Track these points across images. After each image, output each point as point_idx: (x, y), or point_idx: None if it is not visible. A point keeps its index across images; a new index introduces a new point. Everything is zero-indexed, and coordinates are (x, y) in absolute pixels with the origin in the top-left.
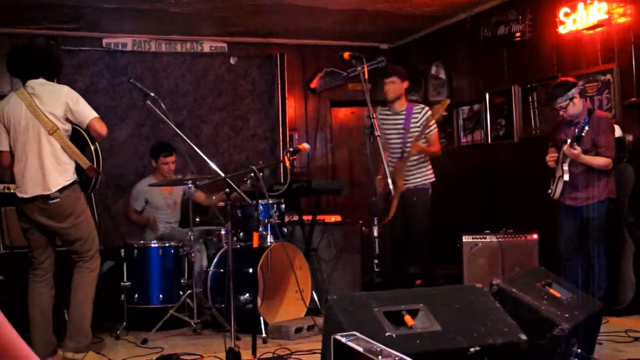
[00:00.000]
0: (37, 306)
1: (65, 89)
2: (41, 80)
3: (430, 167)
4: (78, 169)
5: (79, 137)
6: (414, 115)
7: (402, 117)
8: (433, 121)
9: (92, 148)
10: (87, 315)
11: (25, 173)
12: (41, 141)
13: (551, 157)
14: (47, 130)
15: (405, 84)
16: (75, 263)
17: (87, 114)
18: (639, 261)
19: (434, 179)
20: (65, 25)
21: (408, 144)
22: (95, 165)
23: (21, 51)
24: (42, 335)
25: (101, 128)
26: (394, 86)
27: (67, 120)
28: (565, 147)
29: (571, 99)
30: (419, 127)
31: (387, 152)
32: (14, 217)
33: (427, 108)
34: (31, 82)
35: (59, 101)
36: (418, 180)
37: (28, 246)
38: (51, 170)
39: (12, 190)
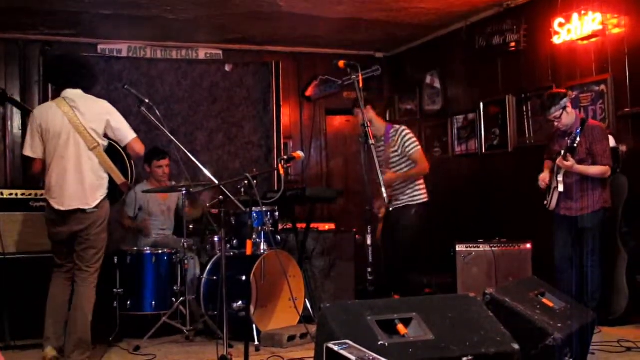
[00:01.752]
0: (51, 306)
1: (106, 105)
2: (79, 92)
3: (419, 187)
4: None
5: (113, 150)
6: (390, 139)
7: (382, 143)
8: (410, 141)
9: (128, 165)
10: (89, 327)
11: (64, 186)
12: (81, 156)
13: (543, 180)
14: (88, 145)
15: (368, 109)
16: (75, 274)
17: (127, 133)
18: (632, 271)
19: (424, 199)
20: (61, 31)
21: (391, 165)
22: (129, 182)
23: (60, 60)
24: (57, 331)
25: (140, 149)
26: (358, 118)
27: (105, 135)
28: (558, 160)
29: (564, 108)
30: (396, 149)
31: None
32: (8, 223)
33: (402, 128)
34: (69, 93)
35: (100, 117)
36: (402, 202)
37: (52, 250)
38: (91, 185)
39: (5, 196)
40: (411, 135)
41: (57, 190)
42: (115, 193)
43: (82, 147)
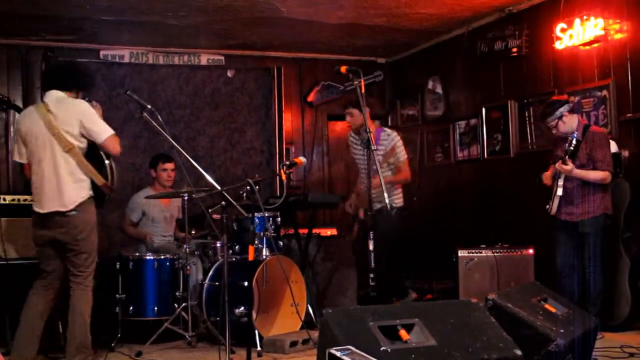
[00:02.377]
0: (27, 313)
1: (81, 106)
2: (59, 94)
3: (397, 192)
4: (92, 183)
5: (97, 152)
6: (380, 142)
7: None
8: (400, 148)
9: (107, 164)
10: (89, 330)
11: (43, 189)
12: (57, 158)
13: (546, 175)
14: (63, 147)
15: (366, 112)
16: (70, 280)
17: (101, 132)
18: (634, 277)
19: (402, 204)
20: (63, 37)
21: (374, 168)
22: (109, 182)
23: (48, 65)
24: (24, 341)
25: (114, 148)
26: (352, 118)
27: (83, 136)
28: (557, 164)
29: (560, 118)
30: (384, 154)
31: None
32: (10, 228)
33: (394, 134)
34: (49, 96)
35: (73, 118)
36: (380, 204)
37: (38, 256)
38: (68, 187)
39: (7, 201)
40: (401, 142)
41: (38, 193)
42: (99, 196)
43: (57, 150)
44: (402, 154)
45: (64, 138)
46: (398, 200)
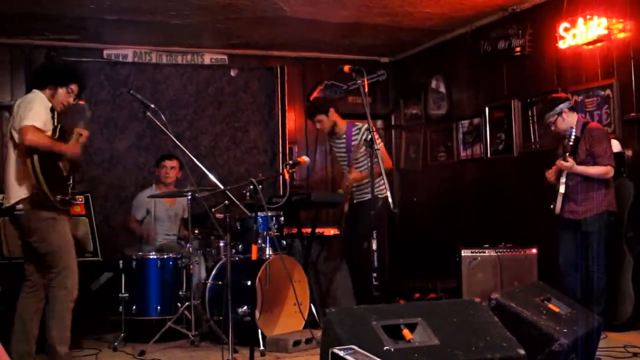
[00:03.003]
0: (19, 316)
1: (27, 98)
2: (30, 94)
3: (380, 182)
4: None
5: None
6: (353, 137)
7: (343, 140)
8: (376, 140)
9: (29, 160)
10: (53, 334)
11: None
12: (10, 156)
13: (550, 172)
14: (12, 145)
15: (332, 113)
16: (47, 277)
17: (23, 119)
18: (638, 276)
19: (385, 194)
20: (66, 36)
21: (358, 162)
22: (34, 182)
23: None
24: (21, 344)
25: (29, 139)
26: (322, 124)
27: None
28: (558, 161)
29: (559, 114)
30: (359, 146)
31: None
32: (10, 227)
33: (364, 127)
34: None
35: (17, 113)
36: (365, 196)
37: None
38: (12, 182)
39: None
40: (374, 132)
41: None
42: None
43: (10, 148)
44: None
45: (13, 135)
46: (381, 190)
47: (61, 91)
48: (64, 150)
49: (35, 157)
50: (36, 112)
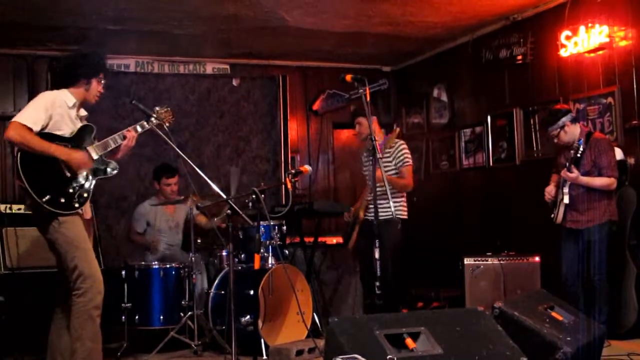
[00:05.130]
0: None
1: (37, 96)
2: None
3: (402, 203)
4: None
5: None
6: (386, 150)
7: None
8: (405, 153)
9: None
10: (74, 347)
11: None
12: None
13: (549, 193)
14: None
15: (374, 120)
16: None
17: (16, 115)
18: None
19: (405, 216)
20: (68, 47)
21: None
22: (16, 178)
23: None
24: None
25: (9, 133)
26: (361, 127)
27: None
28: (562, 172)
29: (562, 127)
30: (390, 160)
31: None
32: (17, 238)
33: (401, 142)
34: None
35: None
36: (385, 214)
37: None
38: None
39: (14, 211)
40: (407, 150)
41: None
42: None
43: None
44: (407, 162)
45: None
46: (402, 211)
47: (94, 82)
48: (55, 154)
49: (18, 155)
50: (31, 111)
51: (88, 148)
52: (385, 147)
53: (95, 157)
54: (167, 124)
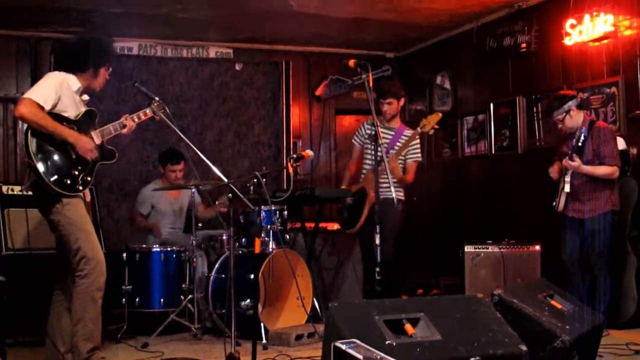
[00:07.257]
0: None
1: (45, 75)
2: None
3: (401, 187)
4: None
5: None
6: (402, 137)
7: (392, 134)
8: (419, 150)
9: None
10: (75, 329)
11: None
12: None
13: (553, 169)
14: None
15: (402, 102)
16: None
17: (27, 92)
18: None
19: (402, 198)
20: (72, 29)
21: (387, 158)
22: (27, 158)
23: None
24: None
25: (19, 110)
26: (391, 107)
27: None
28: (564, 160)
29: (567, 112)
30: (401, 147)
31: (361, 161)
32: (17, 219)
33: (416, 133)
34: None
35: None
36: (390, 194)
37: None
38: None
39: (15, 192)
40: (419, 144)
41: None
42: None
43: None
44: (417, 156)
45: None
46: (400, 194)
47: (102, 71)
48: (64, 135)
49: (29, 132)
50: (42, 88)
51: (92, 133)
52: (410, 138)
53: (97, 142)
54: (157, 118)
